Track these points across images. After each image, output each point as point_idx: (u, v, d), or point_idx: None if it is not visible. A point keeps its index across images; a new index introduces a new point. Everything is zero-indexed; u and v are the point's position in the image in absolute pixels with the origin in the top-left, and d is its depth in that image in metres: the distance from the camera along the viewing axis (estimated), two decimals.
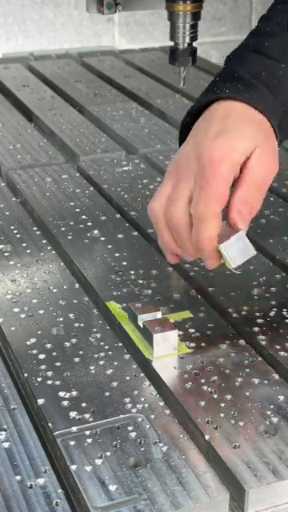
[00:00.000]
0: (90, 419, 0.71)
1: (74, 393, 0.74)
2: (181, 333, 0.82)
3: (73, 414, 0.71)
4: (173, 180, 0.80)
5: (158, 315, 0.82)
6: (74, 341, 0.82)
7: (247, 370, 0.77)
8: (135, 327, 0.83)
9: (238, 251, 0.78)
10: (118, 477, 0.64)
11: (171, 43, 1.28)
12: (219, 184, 0.76)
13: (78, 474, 0.64)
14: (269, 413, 0.71)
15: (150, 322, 0.80)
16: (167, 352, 0.79)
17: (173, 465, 0.65)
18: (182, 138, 0.84)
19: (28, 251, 1.01)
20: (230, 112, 0.80)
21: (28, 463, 0.66)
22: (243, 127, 0.78)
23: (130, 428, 0.69)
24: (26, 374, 0.77)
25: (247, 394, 0.74)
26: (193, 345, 0.81)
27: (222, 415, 0.71)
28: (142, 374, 0.77)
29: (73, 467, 0.65)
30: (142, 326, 0.81)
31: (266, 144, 0.78)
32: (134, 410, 0.72)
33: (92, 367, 0.78)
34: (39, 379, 0.76)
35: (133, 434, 0.69)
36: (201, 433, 0.69)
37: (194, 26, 1.25)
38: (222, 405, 0.72)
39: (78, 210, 1.13)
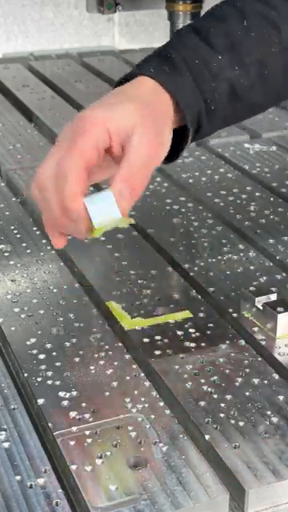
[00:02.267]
0: (90, 419, 0.71)
1: (74, 393, 0.74)
2: (181, 333, 0.82)
3: (73, 414, 0.71)
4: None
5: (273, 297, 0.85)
6: (74, 341, 0.82)
7: (247, 370, 0.77)
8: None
9: (102, 209, 0.74)
10: (118, 477, 0.64)
11: None
12: (85, 142, 0.73)
13: (78, 474, 0.64)
14: (269, 413, 0.71)
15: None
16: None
17: (173, 465, 0.65)
18: None
19: (28, 251, 1.01)
20: (134, 90, 0.77)
21: (28, 463, 0.66)
22: (130, 105, 0.75)
23: (130, 428, 0.69)
24: (26, 374, 0.77)
25: (247, 394, 0.74)
26: (193, 345, 0.81)
27: (222, 415, 0.71)
28: (142, 374, 0.77)
29: (73, 467, 0.65)
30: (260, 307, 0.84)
31: (149, 125, 0.75)
32: (134, 410, 0.72)
33: (92, 367, 0.78)
34: (39, 379, 0.76)
35: (133, 434, 0.69)
36: (201, 433, 0.69)
37: None
38: (222, 405, 0.72)
39: None
